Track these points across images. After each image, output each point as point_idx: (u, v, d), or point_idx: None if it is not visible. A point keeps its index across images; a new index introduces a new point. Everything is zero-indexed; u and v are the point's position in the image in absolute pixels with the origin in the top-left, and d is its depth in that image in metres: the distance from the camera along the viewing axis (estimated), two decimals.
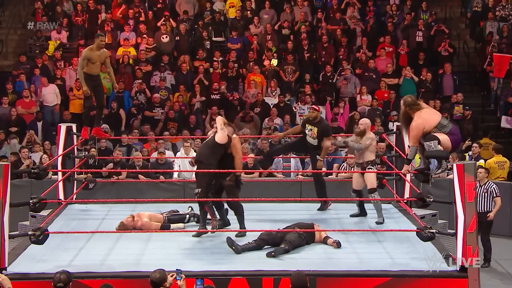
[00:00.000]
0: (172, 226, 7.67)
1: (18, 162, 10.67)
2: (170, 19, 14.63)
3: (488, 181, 8.83)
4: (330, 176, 10.36)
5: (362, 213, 8.21)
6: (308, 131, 8.32)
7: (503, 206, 8.98)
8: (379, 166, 8.59)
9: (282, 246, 6.72)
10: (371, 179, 7.92)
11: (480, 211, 8.41)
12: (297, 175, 10.68)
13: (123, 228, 7.46)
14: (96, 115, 8.73)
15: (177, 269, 5.10)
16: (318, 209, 8.44)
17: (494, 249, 8.94)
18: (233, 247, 6.72)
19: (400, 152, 8.52)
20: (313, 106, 8.64)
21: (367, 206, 8.25)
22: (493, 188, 8.71)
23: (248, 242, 6.82)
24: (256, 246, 6.80)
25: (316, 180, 8.47)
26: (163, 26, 14.35)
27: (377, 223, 7.88)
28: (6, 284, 5.02)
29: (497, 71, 13.49)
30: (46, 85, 13.04)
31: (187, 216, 7.85)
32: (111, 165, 10.58)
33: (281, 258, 6.63)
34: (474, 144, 11.01)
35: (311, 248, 6.96)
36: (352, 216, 8.19)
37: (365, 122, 8.09)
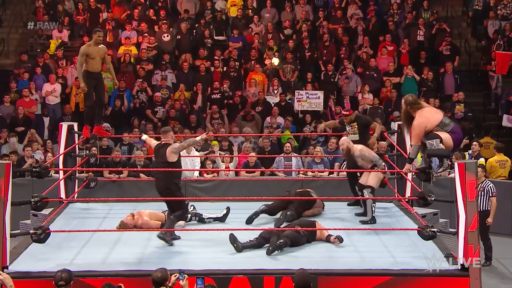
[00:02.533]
0: None
1: (21, 161, 10.67)
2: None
3: (485, 179, 8.81)
4: (331, 175, 10.36)
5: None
6: (349, 128, 8.34)
7: (504, 205, 8.98)
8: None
9: (280, 241, 6.72)
10: (372, 177, 7.92)
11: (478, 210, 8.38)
12: (298, 174, 10.67)
13: (123, 226, 7.47)
14: (96, 114, 8.74)
15: (179, 269, 5.11)
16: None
17: (495, 248, 8.94)
18: (235, 245, 6.73)
19: (402, 151, 8.52)
20: (344, 112, 8.51)
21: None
22: (490, 187, 8.69)
23: (250, 240, 6.83)
24: (257, 244, 6.81)
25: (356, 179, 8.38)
26: (164, 25, 14.35)
27: (361, 222, 7.79)
28: (8, 283, 5.02)
29: (499, 68, 13.50)
30: (53, 82, 13.04)
31: (189, 215, 7.84)
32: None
33: (283, 257, 6.64)
34: (474, 143, 11.00)
35: (312, 247, 6.97)
36: (357, 214, 8.17)
37: (342, 143, 8.05)
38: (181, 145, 7.06)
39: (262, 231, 6.97)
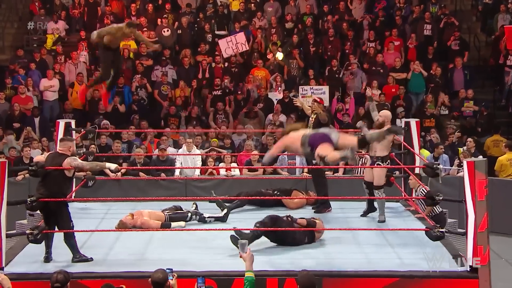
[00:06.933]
0: (173, 224, 7.69)
1: (19, 161, 10.66)
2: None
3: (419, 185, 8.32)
4: (336, 173, 10.35)
5: (371, 208, 8.16)
6: (309, 120, 8.38)
7: None
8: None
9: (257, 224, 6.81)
10: (378, 175, 7.92)
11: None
12: (302, 172, 10.67)
13: (122, 226, 7.48)
14: (110, 81, 8.42)
15: (167, 268, 5.09)
16: (314, 211, 8.35)
17: (504, 249, 8.93)
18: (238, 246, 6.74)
19: (409, 148, 8.51)
20: (315, 98, 8.62)
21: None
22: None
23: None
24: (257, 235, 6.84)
25: (315, 177, 8.42)
26: (164, 19, 14.33)
27: (379, 221, 7.87)
28: (6, 284, 5.02)
29: (510, 43, 13.31)
30: (50, 78, 13.03)
31: (189, 214, 7.86)
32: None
33: (286, 258, 6.63)
34: (469, 139, 10.98)
35: (316, 247, 6.96)
36: (362, 215, 8.16)
37: (384, 114, 8.04)
38: (82, 163, 6.52)
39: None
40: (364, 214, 8.16)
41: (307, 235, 7.04)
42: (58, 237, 6.86)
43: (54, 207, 6.48)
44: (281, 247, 6.91)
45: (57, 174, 6.45)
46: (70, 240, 6.55)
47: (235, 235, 6.78)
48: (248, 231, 6.89)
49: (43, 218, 6.68)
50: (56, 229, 6.59)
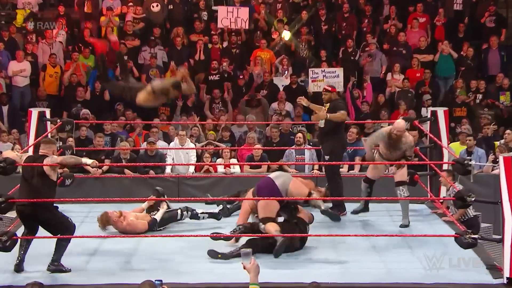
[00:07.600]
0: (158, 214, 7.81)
1: None
2: None
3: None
4: (352, 171, 10.35)
5: (365, 208, 8.26)
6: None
7: None
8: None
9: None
10: (401, 170, 7.93)
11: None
12: (312, 169, 10.67)
13: (105, 220, 7.62)
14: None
15: (156, 280, 5.10)
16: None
17: None
18: (219, 255, 6.80)
19: (436, 140, 8.49)
20: (326, 86, 8.54)
21: (394, 206, 8.22)
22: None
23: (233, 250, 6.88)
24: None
25: (329, 174, 8.43)
26: None
27: (402, 226, 7.86)
28: None
29: None
30: (20, 60, 13.02)
31: (179, 211, 7.94)
32: None
33: (293, 268, 6.64)
34: (507, 131, 10.93)
35: (327, 256, 6.97)
36: (354, 212, 8.25)
37: (402, 126, 7.85)
38: (57, 158, 6.58)
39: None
40: (356, 212, 8.25)
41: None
42: (32, 244, 6.89)
43: (42, 216, 6.50)
44: (288, 256, 6.91)
45: (42, 179, 6.47)
46: (62, 241, 6.58)
47: (213, 251, 6.82)
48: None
49: (25, 225, 6.70)
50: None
